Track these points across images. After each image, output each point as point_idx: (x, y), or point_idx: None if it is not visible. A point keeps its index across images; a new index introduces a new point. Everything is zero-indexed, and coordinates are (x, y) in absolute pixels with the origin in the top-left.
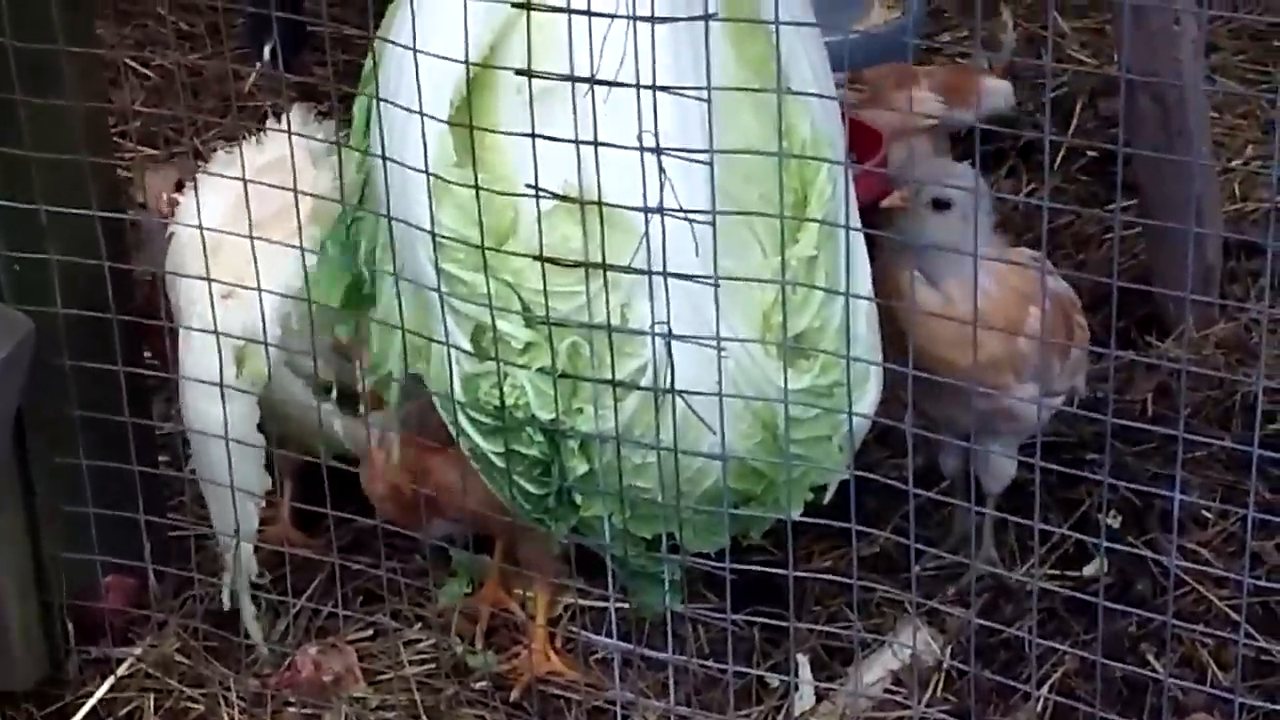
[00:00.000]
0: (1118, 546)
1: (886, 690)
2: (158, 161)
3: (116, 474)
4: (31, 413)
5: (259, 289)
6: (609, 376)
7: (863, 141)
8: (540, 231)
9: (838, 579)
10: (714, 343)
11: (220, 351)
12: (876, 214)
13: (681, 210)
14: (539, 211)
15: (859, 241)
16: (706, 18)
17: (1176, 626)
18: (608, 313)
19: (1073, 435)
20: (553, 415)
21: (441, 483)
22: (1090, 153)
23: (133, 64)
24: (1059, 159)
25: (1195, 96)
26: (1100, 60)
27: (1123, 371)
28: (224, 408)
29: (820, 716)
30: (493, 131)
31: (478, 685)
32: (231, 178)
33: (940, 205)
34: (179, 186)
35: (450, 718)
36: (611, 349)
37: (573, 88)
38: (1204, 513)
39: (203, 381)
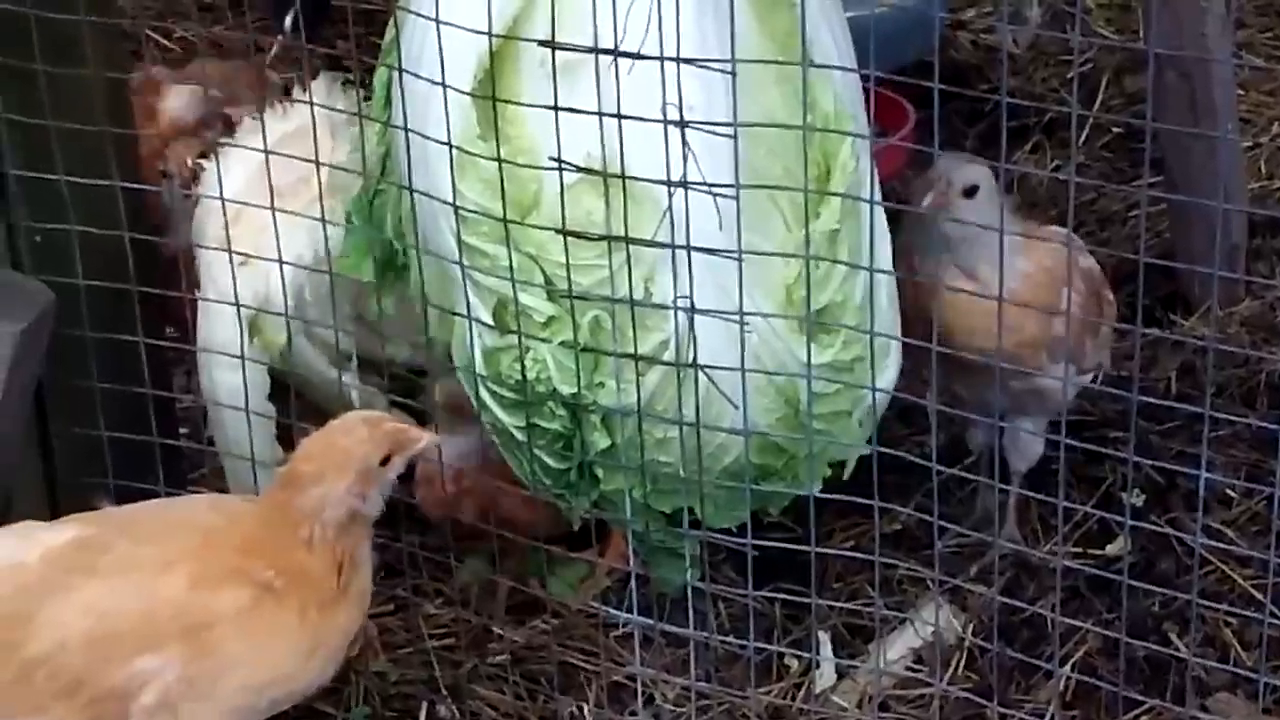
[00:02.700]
0: (1141, 525)
1: (908, 668)
2: (183, 129)
3: (137, 446)
4: (52, 384)
5: (276, 259)
6: (631, 351)
7: (888, 114)
8: (563, 205)
9: (859, 556)
10: (736, 317)
11: (237, 320)
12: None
13: (705, 184)
14: (562, 185)
15: (881, 216)
16: None
17: (1200, 606)
18: (630, 287)
19: (1097, 413)
20: (574, 389)
21: (510, 519)
22: (1115, 129)
23: (154, 35)
24: (1084, 135)
25: (1221, 73)
26: (1126, 36)
27: (1147, 350)
28: (239, 376)
29: (841, 694)
30: (516, 104)
31: (497, 659)
32: (251, 148)
33: (970, 192)
34: (203, 155)
35: (470, 692)
36: (634, 323)
37: (596, 60)
38: (1228, 491)
39: (215, 352)
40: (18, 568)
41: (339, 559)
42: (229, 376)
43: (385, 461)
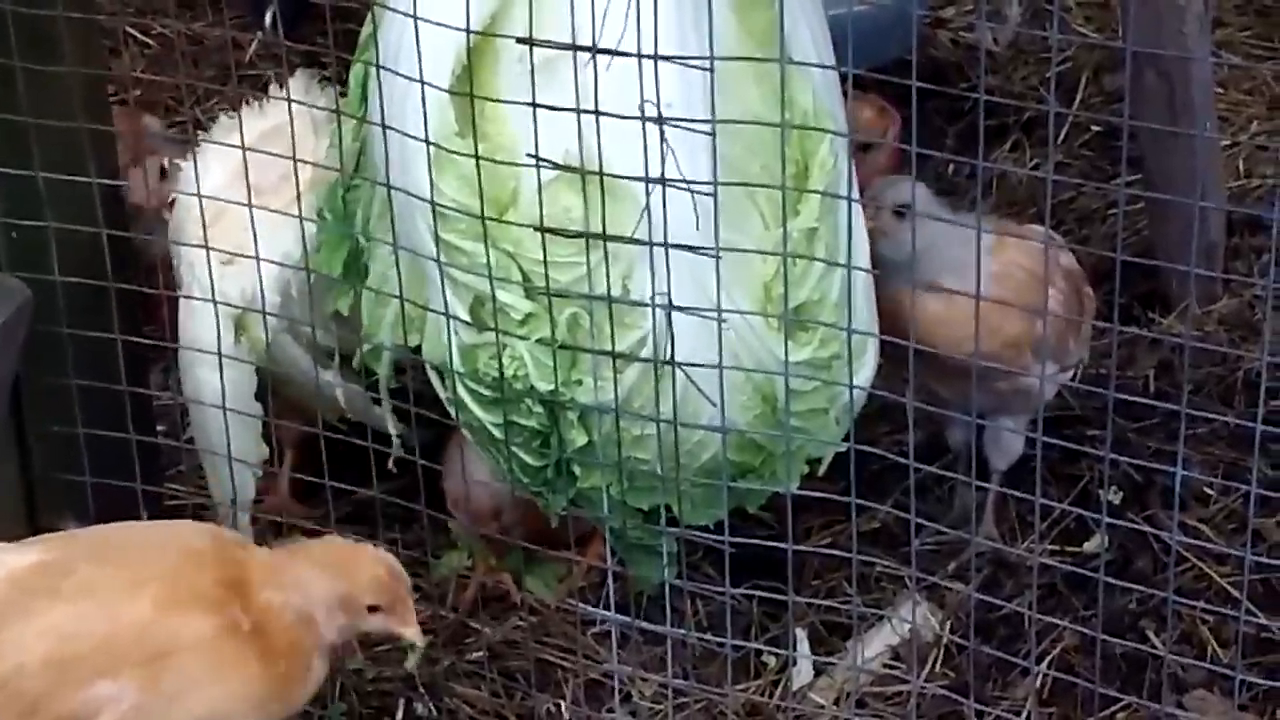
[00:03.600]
0: (1119, 522)
1: (885, 665)
2: (150, 148)
3: (113, 443)
4: (29, 381)
5: (257, 257)
6: (609, 348)
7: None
8: (541, 202)
9: (837, 553)
10: (714, 315)
11: (219, 319)
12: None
13: (683, 181)
14: (540, 182)
15: (859, 214)
16: None
17: (1177, 603)
18: (608, 284)
19: (1075, 410)
20: (552, 386)
21: (536, 531)
22: (1094, 127)
23: (133, 31)
24: (1062, 134)
25: (1200, 71)
26: (1105, 34)
27: (1125, 347)
28: (222, 375)
29: (818, 691)
30: (494, 101)
31: (474, 656)
32: (231, 145)
33: (901, 210)
34: (163, 174)
35: (447, 689)
36: (612, 320)
37: (574, 57)
38: (1205, 489)
39: (201, 351)
40: None
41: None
42: (213, 375)
43: (374, 609)
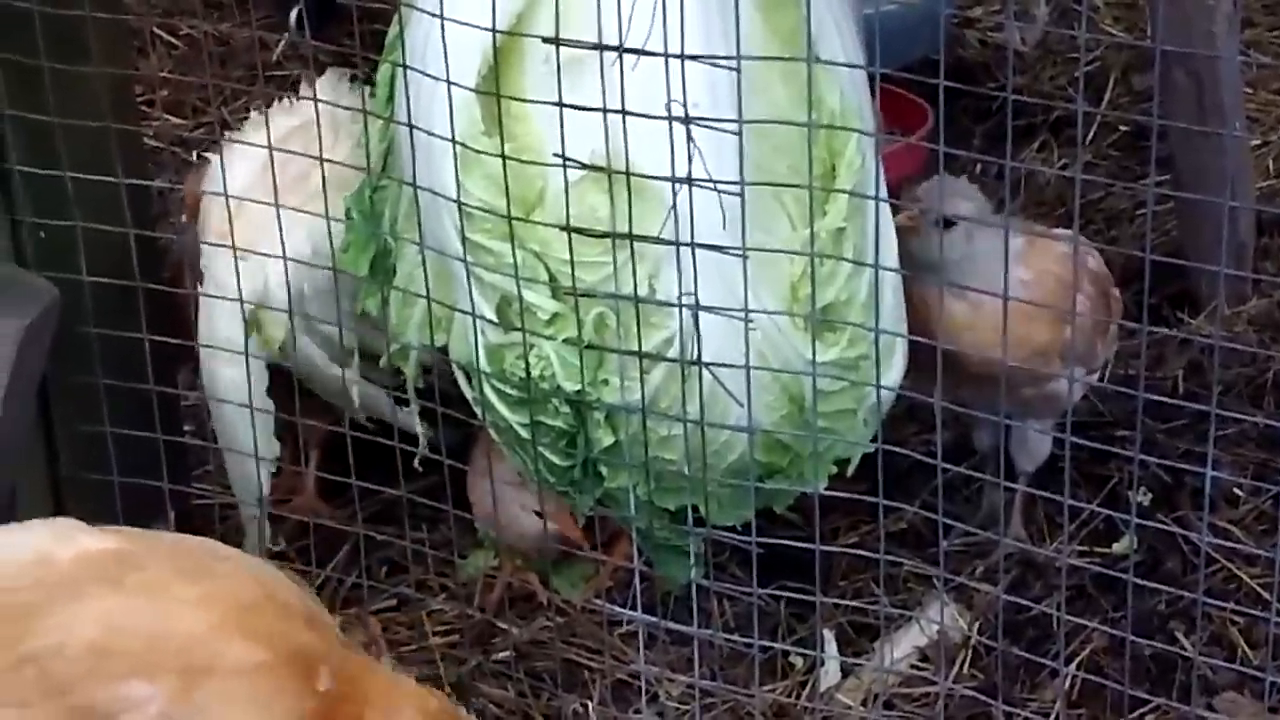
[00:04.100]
0: (1148, 523)
1: (913, 666)
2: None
3: (141, 442)
4: (56, 380)
5: (274, 255)
6: (635, 348)
7: (905, 115)
8: (567, 201)
9: (865, 554)
10: (741, 315)
11: (236, 315)
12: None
13: (710, 181)
14: (566, 181)
15: (887, 214)
16: None
17: (1207, 604)
18: (635, 284)
19: (1104, 412)
20: (579, 386)
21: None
22: (1122, 127)
23: (160, 32)
24: (1091, 134)
25: (1229, 71)
26: (1134, 34)
27: (1154, 348)
28: (239, 371)
29: (846, 692)
30: (520, 100)
31: (501, 656)
32: (254, 144)
33: (946, 224)
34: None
35: (473, 689)
36: (638, 320)
37: (601, 57)
38: (1235, 490)
39: (214, 347)
40: (46, 563)
41: None
42: (229, 371)
43: None
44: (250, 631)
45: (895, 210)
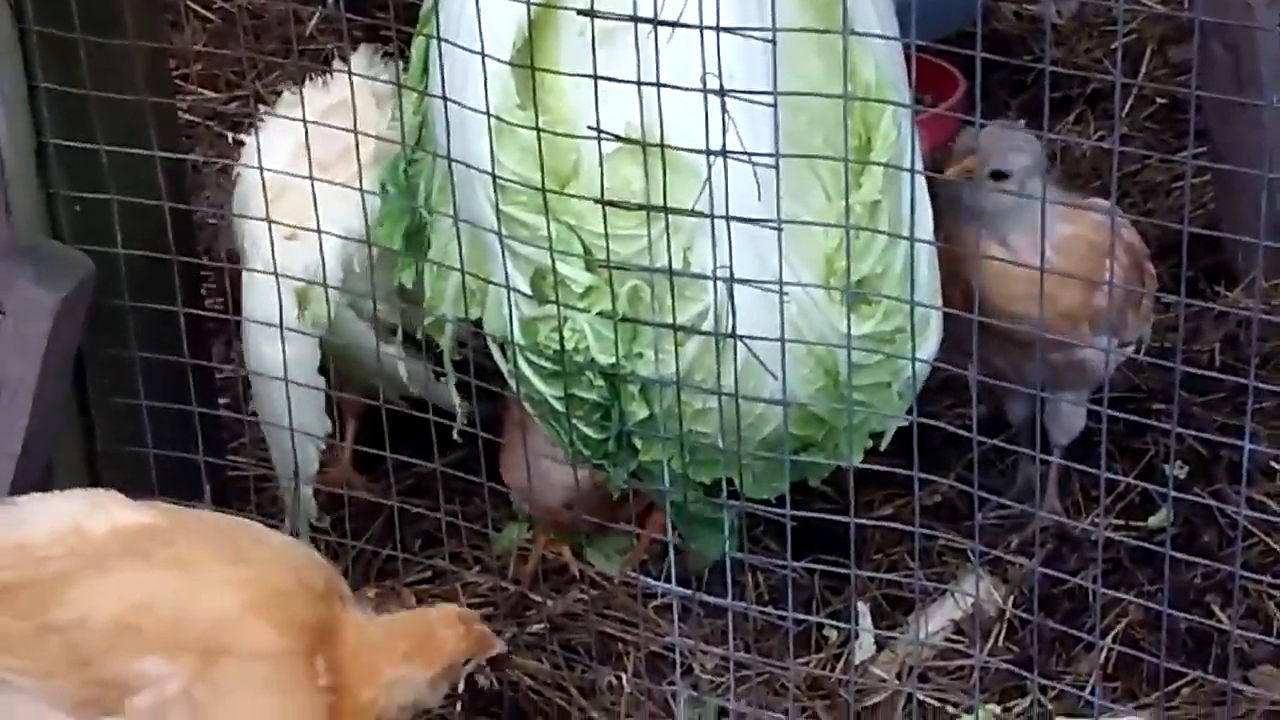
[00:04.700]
0: (1184, 496)
1: (947, 639)
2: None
3: (176, 415)
4: (92, 353)
5: (324, 231)
6: (670, 321)
7: (937, 84)
8: (602, 174)
9: (899, 527)
10: (776, 287)
11: (282, 293)
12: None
13: (745, 153)
14: (601, 154)
15: (922, 186)
16: None
17: (1243, 577)
18: (669, 256)
19: (1140, 385)
20: (613, 359)
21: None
22: (1159, 99)
23: (194, 5)
24: (1128, 106)
25: (1267, 43)
26: (1171, 6)
27: (1191, 321)
28: (284, 349)
29: (880, 665)
30: (555, 73)
31: (536, 629)
32: (295, 119)
33: (999, 175)
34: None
35: (508, 661)
36: (673, 293)
37: (635, 29)
38: (1272, 463)
39: (264, 323)
40: (80, 533)
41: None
42: (275, 349)
43: (466, 661)
44: (277, 618)
45: (928, 183)
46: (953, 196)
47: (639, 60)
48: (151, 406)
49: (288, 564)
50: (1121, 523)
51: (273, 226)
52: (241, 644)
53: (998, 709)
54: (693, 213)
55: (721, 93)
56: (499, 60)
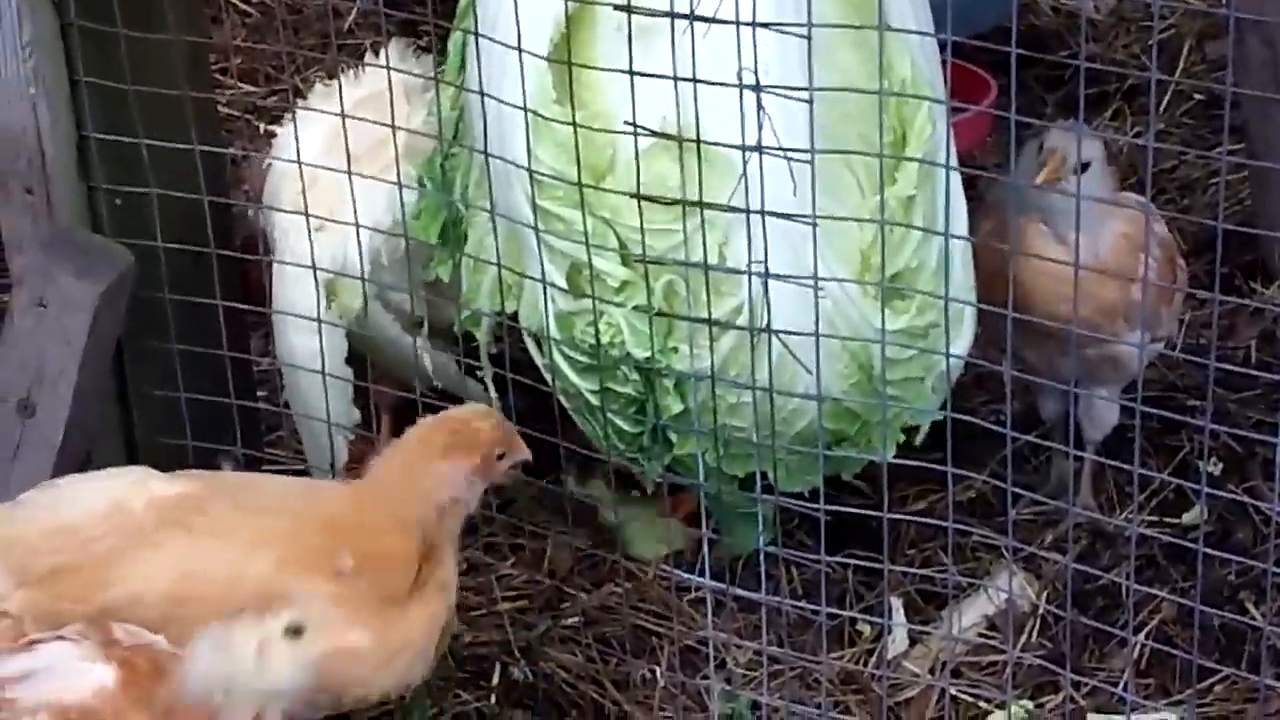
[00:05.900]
0: (1218, 493)
1: (980, 635)
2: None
3: (214, 408)
4: (131, 345)
5: (351, 223)
6: (705, 315)
7: (968, 88)
8: (638, 169)
9: (933, 522)
10: (811, 282)
11: (313, 284)
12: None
13: (780, 149)
14: (637, 149)
15: (957, 182)
16: None
17: (1277, 575)
18: (704, 251)
19: (1175, 381)
20: (648, 353)
21: None
22: (1196, 95)
23: (234, 0)
24: (1164, 102)
25: None
26: (1208, 2)
27: (1226, 318)
28: (316, 340)
29: (913, 660)
30: (591, 68)
31: (571, 621)
32: (328, 112)
33: (1083, 168)
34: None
35: (543, 654)
36: (708, 288)
37: (672, 24)
38: None
39: (293, 314)
40: (122, 510)
41: (425, 546)
42: (305, 340)
43: (501, 456)
44: (306, 561)
45: (964, 179)
46: (1009, 194)
47: (675, 56)
48: (190, 398)
49: (292, 505)
50: (1155, 519)
51: (305, 218)
52: (288, 598)
53: (1030, 704)
54: (728, 208)
55: (757, 88)
56: (536, 56)
